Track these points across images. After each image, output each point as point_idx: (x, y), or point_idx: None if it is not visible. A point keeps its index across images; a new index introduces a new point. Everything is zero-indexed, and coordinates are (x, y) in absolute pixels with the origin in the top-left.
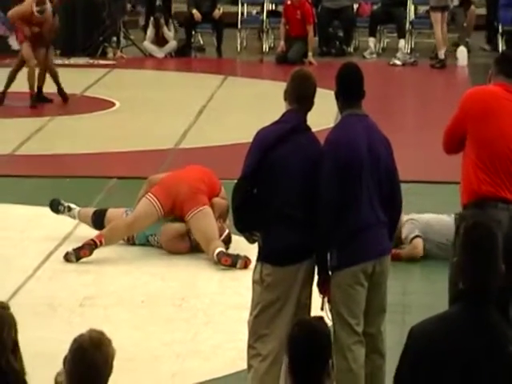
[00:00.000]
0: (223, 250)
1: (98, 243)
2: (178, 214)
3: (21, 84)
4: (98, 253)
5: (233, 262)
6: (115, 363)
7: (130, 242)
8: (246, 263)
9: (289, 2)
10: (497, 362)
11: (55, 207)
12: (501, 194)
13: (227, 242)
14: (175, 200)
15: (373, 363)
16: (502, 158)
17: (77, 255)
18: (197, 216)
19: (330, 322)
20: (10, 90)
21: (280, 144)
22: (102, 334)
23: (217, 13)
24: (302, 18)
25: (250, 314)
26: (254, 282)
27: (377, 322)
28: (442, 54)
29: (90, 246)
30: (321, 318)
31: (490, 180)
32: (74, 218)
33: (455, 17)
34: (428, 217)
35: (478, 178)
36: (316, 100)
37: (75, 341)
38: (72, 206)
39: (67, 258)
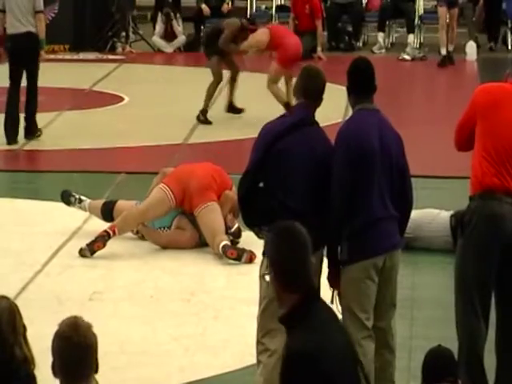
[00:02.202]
0: (228, 243)
1: (111, 233)
2: (186, 208)
3: None
4: (107, 247)
5: (238, 256)
6: (125, 358)
7: (139, 234)
8: (251, 258)
9: None
10: (351, 343)
11: (66, 198)
12: (505, 185)
13: (237, 235)
14: (185, 192)
15: (382, 358)
16: (508, 148)
17: (91, 249)
18: (203, 212)
19: (339, 316)
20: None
21: (285, 137)
22: (75, 317)
23: (225, 7)
24: (311, 13)
25: (259, 309)
26: (260, 276)
27: (387, 316)
28: (443, 51)
29: (103, 238)
30: None
31: (495, 171)
32: (84, 209)
33: (464, 11)
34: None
35: (483, 169)
36: (325, 95)
37: (55, 334)
38: (83, 197)
39: (82, 253)
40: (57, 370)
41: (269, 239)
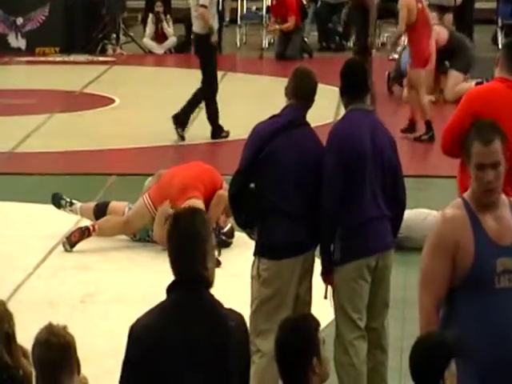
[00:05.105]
0: None
1: (91, 229)
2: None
3: (23, 82)
4: (98, 249)
5: None
6: (117, 360)
7: (131, 235)
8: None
9: (274, 2)
10: (221, 339)
11: (57, 201)
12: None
13: (230, 236)
14: (168, 198)
15: (375, 358)
16: None
17: (69, 242)
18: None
19: (332, 308)
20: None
21: (275, 138)
22: (49, 323)
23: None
24: (287, 12)
25: (250, 310)
26: (252, 277)
27: (380, 316)
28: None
29: (80, 229)
30: (308, 316)
31: None
32: (75, 213)
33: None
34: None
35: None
36: (316, 96)
37: (32, 346)
38: (74, 201)
39: (64, 247)
40: (38, 377)
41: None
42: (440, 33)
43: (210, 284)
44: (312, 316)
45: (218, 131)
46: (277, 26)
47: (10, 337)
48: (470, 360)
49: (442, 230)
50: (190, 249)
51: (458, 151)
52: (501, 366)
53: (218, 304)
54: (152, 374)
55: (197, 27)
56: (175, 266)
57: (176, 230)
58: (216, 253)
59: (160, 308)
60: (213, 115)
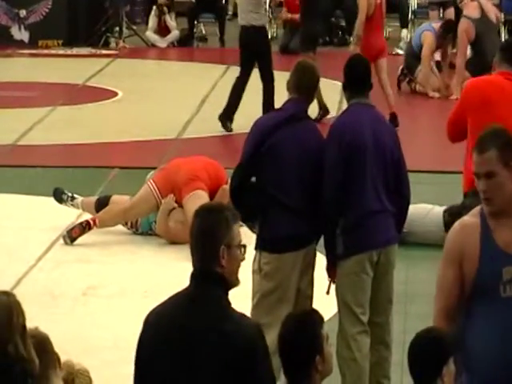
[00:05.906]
0: None
1: (92, 223)
2: (178, 202)
3: (25, 74)
4: (100, 242)
5: None
6: (118, 353)
7: (134, 229)
8: None
9: None
10: (216, 339)
11: (58, 196)
12: None
13: None
14: (173, 187)
15: (379, 354)
16: None
17: (70, 236)
18: (188, 199)
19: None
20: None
21: (277, 132)
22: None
23: None
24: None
25: (252, 303)
26: (253, 271)
27: (385, 312)
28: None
29: (81, 225)
30: (312, 312)
31: None
32: (77, 207)
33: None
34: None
35: None
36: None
37: None
38: (76, 195)
39: (64, 240)
40: None
41: None
42: (470, 32)
43: (224, 281)
44: (316, 312)
45: (226, 119)
46: (289, 15)
47: (24, 330)
48: (475, 369)
49: (451, 237)
50: (202, 245)
51: (462, 136)
52: (504, 376)
53: (221, 304)
54: (153, 361)
55: (250, 19)
56: (192, 259)
57: (194, 224)
58: (242, 250)
59: (174, 297)
60: (230, 107)
